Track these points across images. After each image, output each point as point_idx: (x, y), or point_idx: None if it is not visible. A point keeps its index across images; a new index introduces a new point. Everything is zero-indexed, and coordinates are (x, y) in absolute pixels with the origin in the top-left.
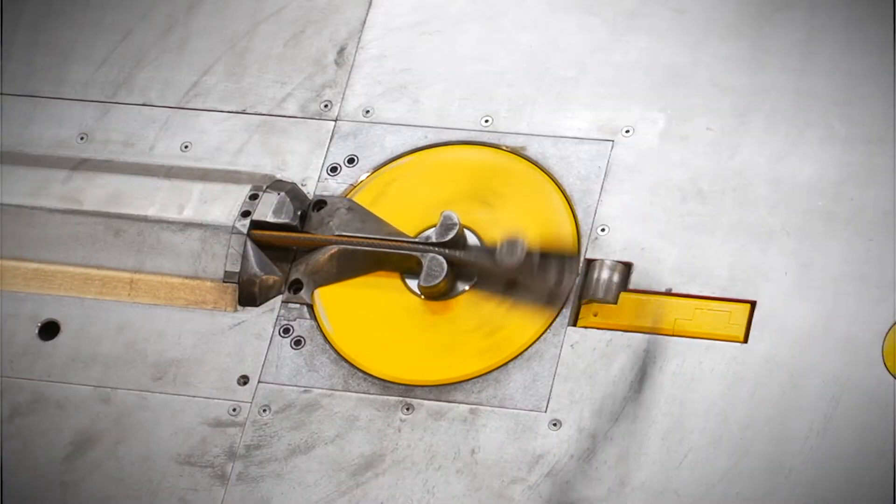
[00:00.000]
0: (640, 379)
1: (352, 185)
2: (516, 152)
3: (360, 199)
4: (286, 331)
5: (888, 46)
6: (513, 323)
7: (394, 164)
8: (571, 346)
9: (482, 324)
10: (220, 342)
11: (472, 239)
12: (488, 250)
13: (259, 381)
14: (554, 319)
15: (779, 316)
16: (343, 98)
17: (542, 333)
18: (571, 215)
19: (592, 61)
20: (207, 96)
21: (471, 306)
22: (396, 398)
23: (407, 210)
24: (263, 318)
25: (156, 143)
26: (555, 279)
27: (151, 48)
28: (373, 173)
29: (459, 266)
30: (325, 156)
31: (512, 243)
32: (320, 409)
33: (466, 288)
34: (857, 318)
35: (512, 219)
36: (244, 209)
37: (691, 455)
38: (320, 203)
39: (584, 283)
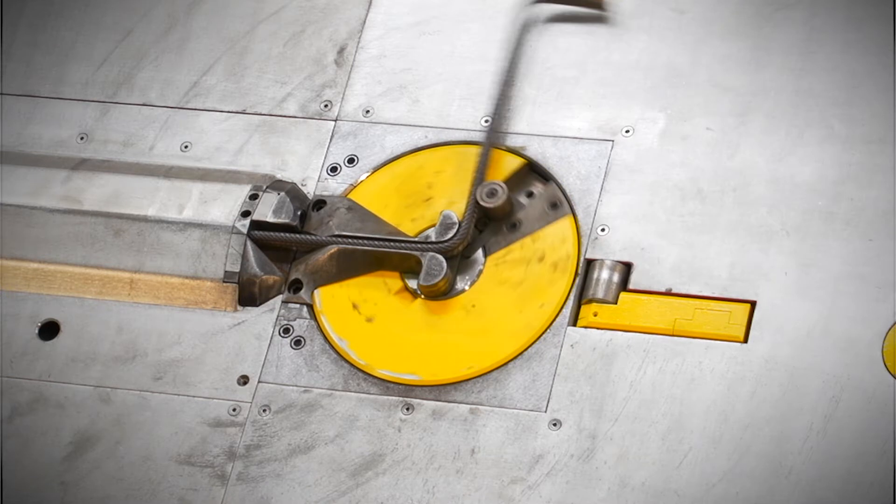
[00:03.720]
0: (640, 379)
1: (352, 185)
2: (516, 152)
3: (360, 198)
4: (286, 331)
5: (888, 46)
6: (513, 323)
7: (394, 163)
8: (571, 346)
9: (482, 323)
10: (220, 342)
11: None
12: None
13: (259, 381)
14: (554, 319)
15: (779, 316)
16: (343, 98)
17: (542, 333)
18: (573, 220)
19: (592, 61)
20: (207, 96)
21: (468, 307)
22: (396, 398)
23: (407, 210)
24: (263, 318)
25: (156, 143)
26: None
27: (151, 48)
28: (373, 173)
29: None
30: (325, 156)
31: (490, 188)
32: (320, 409)
33: (466, 288)
34: (857, 318)
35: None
36: (244, 209)
37: (691, 455)
38: (320, 203)
39: (584, 283)
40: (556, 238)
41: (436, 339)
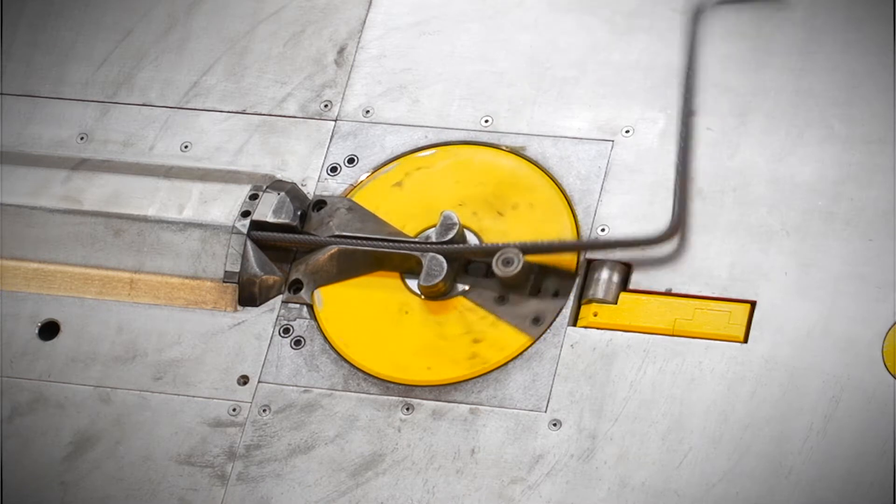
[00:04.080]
0: (640, 379)
1: (352, 185)
2: (516, 152)
3: (359, 199)
4: (286, 331)
5: (888, 46)
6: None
7: (394, 163)
8: (571, 346)
9: (483, 323)
10: (220, 342)
11: (472, 240)
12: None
13: (259, 381)
14: (552, 321)
15: (779, 316)
16: (343, 98)
17: (542, 333)
18: (571, 215)
19: (592, 61)
20: (207, 96)
21: (471, 306)
22: (396, 398)
23: (407, 210)
24: (263, 318)
25: (156, 143)
26: (547, 296)
27: (151, 48)
28: (373, 173)
29: (459, 261)
30: (325, 156)
31: (509, 255)
32: (320, 409)
33: (466, 288)
34: (857, 318)
35: (513, 220)
36: (244, 209)
37: (691, 455)
38: (320, 203)
39: (584, 283)
40: (503, 341)
41: (437, 340)
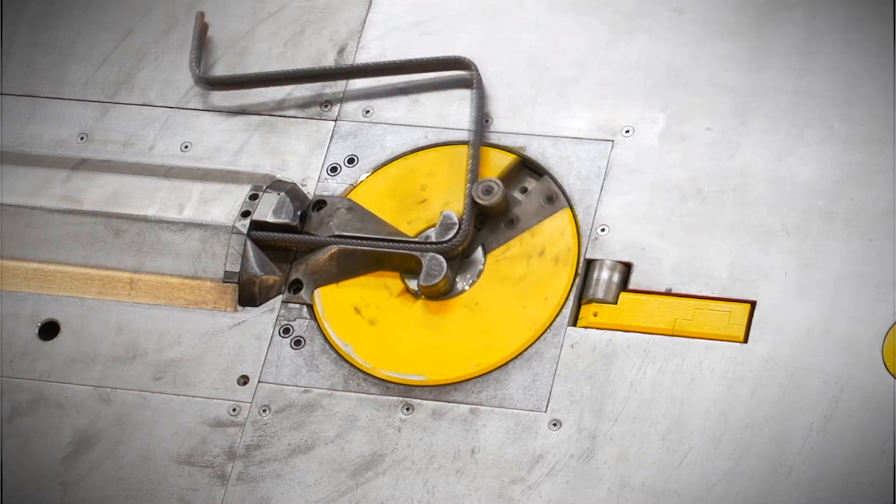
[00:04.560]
0: (640, 379)
1: (352, 185)
2: (516, 152)
3: (359, 199)
4: (286, 331)
5: (888, 46)
6: (513, 322)
7: (394, 163)
8: (571, 346)
9: (485, 321)
10: (220, 342)
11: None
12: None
13: (259, 381)
14: (558, 313)
15: (779, 316)
16: (343, 98)
17: (542, 333)
18: (571, 215)
19: (592, 61)
20: (207, 96)
21: (471, 306)
22: (396, 398)
23: (406, 210)
24: (263, 318)
25: (156, 143)
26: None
27: (151, 48)
28: (373, 173)
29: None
30: (325, 156)
31: (484, 187)
32: (320, 409)
33: (466, 288)
34: (857, 318)
35: (435, 194)
36: (244, 209)
37: (691, 455)
38: (320, 203)
39: (584, 283)
40: (554, 232)
41: (437, 340)
